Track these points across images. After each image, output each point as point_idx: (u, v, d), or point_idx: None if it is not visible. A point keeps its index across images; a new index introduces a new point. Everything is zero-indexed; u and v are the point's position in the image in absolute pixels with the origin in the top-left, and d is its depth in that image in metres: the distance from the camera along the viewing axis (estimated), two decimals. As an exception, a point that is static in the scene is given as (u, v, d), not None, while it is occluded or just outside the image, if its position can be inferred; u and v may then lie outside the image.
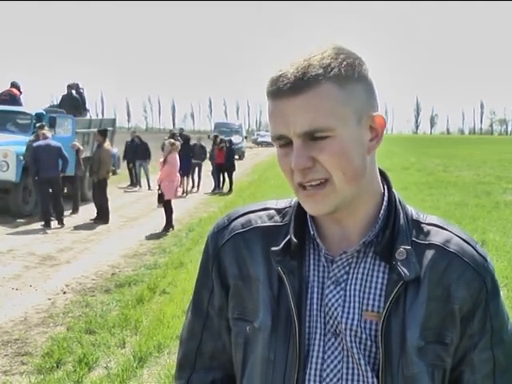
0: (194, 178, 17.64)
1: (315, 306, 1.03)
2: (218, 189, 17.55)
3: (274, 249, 1.05)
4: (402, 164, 28.06)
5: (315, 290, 1.03)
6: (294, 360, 1.01)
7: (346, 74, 0.94)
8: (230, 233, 1.11)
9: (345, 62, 0.94)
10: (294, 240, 1.03)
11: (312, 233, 1.04)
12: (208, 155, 18.62)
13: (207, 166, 18.56)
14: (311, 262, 1.05)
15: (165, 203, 10.49)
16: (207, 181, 18.09)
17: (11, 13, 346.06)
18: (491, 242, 9.07)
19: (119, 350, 4.89)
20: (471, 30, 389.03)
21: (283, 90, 0.93)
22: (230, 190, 17.38)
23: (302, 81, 0.92)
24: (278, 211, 1.11)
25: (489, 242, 9.05)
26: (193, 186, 17.37)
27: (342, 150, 0.94)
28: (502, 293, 1.07)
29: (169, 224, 10.56)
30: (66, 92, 14.60)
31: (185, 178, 16.35)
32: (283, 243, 1.04)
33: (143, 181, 17.74)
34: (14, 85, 14.07)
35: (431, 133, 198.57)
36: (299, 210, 1.06)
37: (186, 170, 16.06)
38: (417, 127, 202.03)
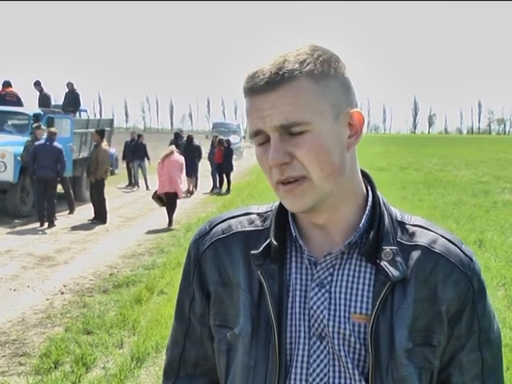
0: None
1: (298, 310, 1.01)
2: (216, 189, 17.55)
3: (253, 252, 1.03)
4: (399, 163, 28.11)
5: (297, 293, 1.01)
6: (274, 366, 1.00)
7: (322, 69, 0.94)
8: (210, 239, 1.10)
9: (321, 58, 0.95)
10: (274, 243, 1.02)
11: (294, 234, 1.03)
12: (207, 155, 18.64)
13: (205, 166, 18.55)
14: (293, 264, 1.03)
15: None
16: (205, 181, 18.08)
17: (10, 12, 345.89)
18: (489, 241, 9.09)
19: (117, 351, 4.89)
20: (469, 30, 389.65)
21: (259, 85, 0.93)
22: (228, 189, 17.37)
23: (278, 75, 0.92)
24: (260, 215, 1.10)
25: (487, 241, 9.07)
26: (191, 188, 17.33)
27: (320, 145, 0.93)
28: (488, 293, 1.06)
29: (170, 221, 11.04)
30: (38, 93, 14.54)
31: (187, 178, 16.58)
32: (263, 246, 1.03)
33: (141, 181, 17.73)
34: (9, 84, 14.01)
35: (429, 132, 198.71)
36: (280, 213, 1.05)
37: (190, 170, 16.35)
38: (415, 127, 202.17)
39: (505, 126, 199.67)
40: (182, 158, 11.41)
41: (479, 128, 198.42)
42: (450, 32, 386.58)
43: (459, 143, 67.96)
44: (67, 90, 14.87)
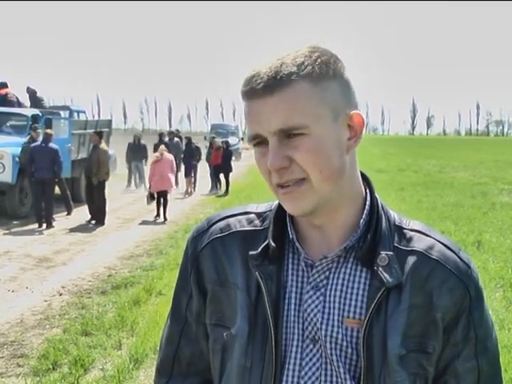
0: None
1: (293, 312, 1.01)
2: (214, 190, 17.56)
3: (252, 253, 1.03)
4: (398, 165, 28.15)
5: (293, 295, 1.01)
6: (270, 367, 0.99)
7: (320, 71, 0.93)
8: (208, 237, 1.09)
9: (319, 60, 0.93)
10: (272, 244, 1.02)
11: (291, 237, 1.02)
12: (205, 156, 18.65)
13: (204, 168, 18.56)
14: (290, 266, 1.02)
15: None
16: (204, 182, 18.09)
17: (9, 12, 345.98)
18: (487, 242, 9.10)
19: (115, 352, 4.89)
20: (467, 31, 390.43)
21: (257, 90, 0.92)
22: (227, 191, 17.37)
23: (275, 80, 0.91)
24: (258, 215, 1.09)
25: (485, 242, 9.08)
26: (189, 189, 17.34)
27: (318, 148, 0.92)
28: (485, 300, 1.05)
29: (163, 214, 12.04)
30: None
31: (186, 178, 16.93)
32: (261, 247, 1.02)
33: (140, 182, 17.72)
34: (5, 85, 13.95)
35: (428, 134, 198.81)
36: (279, 214, 1.04)
37: (189, 171, 16.85)
38: (413, 128, 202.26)
39: (503, 127, 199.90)
40: (171, 157, 12.28)
41: (477, 129, 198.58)
42: (448, 33, 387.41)
43: (457, 145, 68.07)
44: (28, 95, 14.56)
